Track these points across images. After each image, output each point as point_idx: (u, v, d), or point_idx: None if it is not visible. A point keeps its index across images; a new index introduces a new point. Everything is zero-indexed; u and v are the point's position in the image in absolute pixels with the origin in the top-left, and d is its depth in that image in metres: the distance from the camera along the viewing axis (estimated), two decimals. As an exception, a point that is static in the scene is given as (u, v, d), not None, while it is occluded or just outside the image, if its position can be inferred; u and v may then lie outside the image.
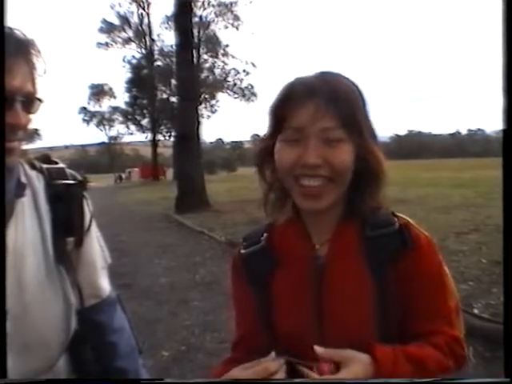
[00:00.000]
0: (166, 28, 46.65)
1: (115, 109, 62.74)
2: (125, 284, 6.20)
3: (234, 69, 47.19)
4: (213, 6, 42.99)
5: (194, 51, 26.40)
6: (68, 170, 1.22)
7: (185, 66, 16.58)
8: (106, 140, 74.10)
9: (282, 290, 1.16)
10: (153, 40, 49.55)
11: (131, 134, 57.48)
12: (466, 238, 7.62)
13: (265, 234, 1.22)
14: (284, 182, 1.12)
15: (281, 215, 1.21)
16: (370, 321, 1.08)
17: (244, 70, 46.87)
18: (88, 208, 1.22)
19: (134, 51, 51.34)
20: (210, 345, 4.31)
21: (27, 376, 1.08)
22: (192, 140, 16.27)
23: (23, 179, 1.12)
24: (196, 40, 38.28)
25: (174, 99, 41.11)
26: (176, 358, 4.11)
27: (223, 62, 47.13)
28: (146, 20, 49.16)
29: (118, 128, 64.62)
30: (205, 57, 46.07)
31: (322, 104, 1.03)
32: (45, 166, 1.19)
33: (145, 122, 54.06)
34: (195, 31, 35.95)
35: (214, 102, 49.06)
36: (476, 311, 4.33)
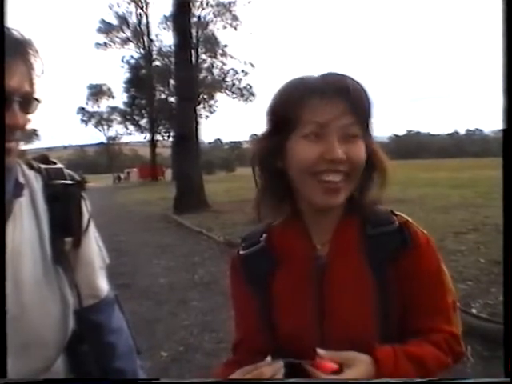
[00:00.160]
0: (165, 28, 46.76)
1: (114, 109, 62.73)
2: (124, 284, 6.20)
3: (232, 69, 47.29)
4: (211, 6, 43.08)
5: (193, 51, 26.46)
6: (66, 171, 1.21)
7: (183, 66, 16.58)
8: (104, 140, 73.99)
9: (283, 291, 1.16)
10: (151, 40, 49.62)
11: (130, 134, 57.50)
12: (465, 237, 7.62)
13: (264, 235, 1.22)
14: (297, 178, 1.09)
15: (278, 215, 1.20)
16: (371, 320, 1.09)
17: (242, 70, 46.99)
18: (86, 208, 1.22)
19: (132, 51, 51.44)
20: (208, 345, 4.31)
21: (26, 376, 1.08)
22: (190, 140, 16.26)
23: (21, 179, 1.12)
24: (194, 40, 38.27)
25: (172, 99, 41.20)
26: (175, 359, 4.10)
27: (222, 62, 47.24)
28: (144, 20, 49.26)
29: (117, 128, 64.57)
30: (203, 57, 46.14)
31: (346, 101, 1.04)
32: (43, 166, 1.19)
33: (143, 122, 54.07)
34: (194, 31, 35.98)
35: (212, 102, 49.18)
36: (474, 311, 4.33)
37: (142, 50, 50.35)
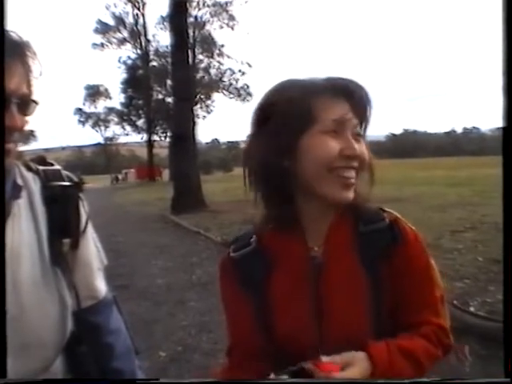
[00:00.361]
0: (162, 28, 46.67)
1: (111, 109, 62.64)
2: (122, 285, 6.19)
3: (229, 69, 47.25)
4: (208, 6, 43.02)
5: (190, 51, 26.45)
6: (64, 172, 1.22)
7: (180, 66, 16.57)
8: (101, 141, 73.85)
9: (279, 292, 1.16)
10: (148, 40, 49.58)
11: (127, 134, 57.59)
12: (462, 236, 7.64)
13: (254, 236, 1.21)
14: (313, 175, 1.08)
15: (278, 216, 1.17)
16: (366, 317, 1.10)
17: (239, 70, 46.91)
18: (84, 209, 1.22)
19: (129, 52, 51.38)
20: (206, 345, 4.31)
21: (24, 377, 1.08)
22: (188, 140, 16.26)
23: (19, 181, 1.12)
24: (191, 40, 38.22)
25: (169, 100, 41.10)
26: (173, 359, 4.11)
27: (219, 62, 47.17)
28: (141, 20, 49.17)
29: (114, 129, 64.44)
30: (200, 57, 46.09)
31: (350, 104, 1.08)
32: (41, 167, 1.19)
33: (140, 122, 54.10)
34: (190, 31, 35.90)
35: (209, 102, 49.14)
36: (472, 309, 4.34)
37: (138, 51, 50.31)
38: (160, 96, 50.17)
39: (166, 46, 41.61)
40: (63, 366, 1.23)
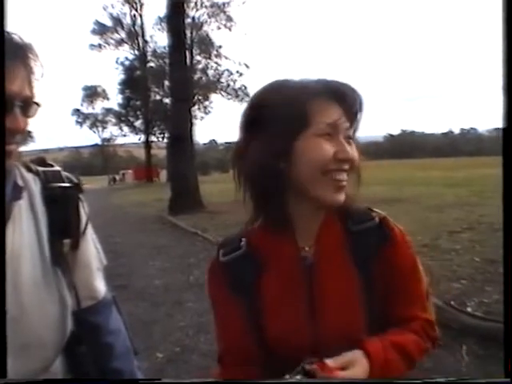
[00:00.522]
0: (159, 29, 46.54)
1: (108, 110, 62.55)
2: (120, 285, 6.18)
3: (227, 70, 47.17)
4: (205, 6, 42.94)
5: (187, 52, 26.43)
6: (64, 173, 1.23)
7: (178, 67, 16.56)
8: (99, 142, 73.86)
9: (272, 294, 1.16)
10: (146, 41, 49.44)
11: (124, 135, 57.31)
12: (459, 236, 7.64)
13: (243, 239, 1.21)
14: (307, 177, 1.08)
15: (268, 218, 1.17)
16: (360, 315, 1.12)
17: (237, 71, 46.85)
18: (84, 210, 1.23)
19: (126, 53, 51.21)
20: (204, 346, 4.31)
21: (24, 377, 1.08)
22: (185, 141, 16.25)
23: (20, 182, 1.13)
24: (189, 41, 38.16)
25: (167, 100, 41.09)
26: (171, 360, 4.11)
27: (216, 63, 47.08)
28: (138, 21, 49.06)
29: (112, 130, 64.32)
30: (198, 58, 46.01)
31: (342, 107, 1.09)
32: (41, 168, 1.20)
33: (138, 123, 53.90)
34: (188, 32, 35.92)
35: (207, 103, 49.02)
36: (469, 309, 4.35)
37: (136, 52, 50.21)
38: (158, 97, 50.11)
39: (164, 47, 41.71)
40: (63, 366, 1.23)
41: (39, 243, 1.13)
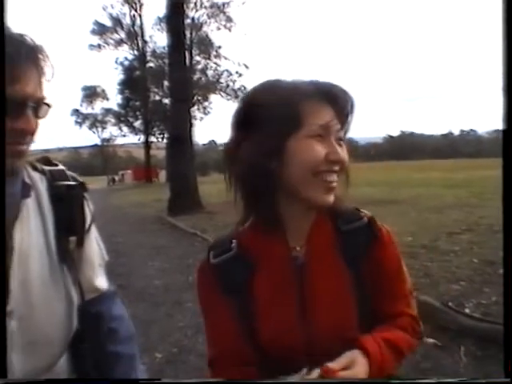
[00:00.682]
0: (159, 29, 46.62)
1: (108, 111, 62.51)
2: (119, 285, 6.17)
3: (226, 70, 47.17)
4: (205, 7, 42.96)
5: (187, 53, 26.44)
6: (68, 172, 1.25)
7: (177, 67, 16.55)
8: (98, 142, 73.72)
9: (263, 294, 1.16)
10: (145, 42, 49.49)
11: (124, 135, 57.36)
12: (458, 237, 7.63)
13: (234, 241, 1.21)
14: (298, 178, 1.09)
15: (258, 218, 1.18)
16: (351, 312, 1.14)
17: (237, 72, 46.84)
18: (88, 208, 1.27)
19: (126, 53, 51.34)
20: (202, 347, 4.30)
21: (32, 374, 1.10)
22: (185, 142, 16.23)
23: (28, 180, 1.15)
24: (188, 41, 38.15)
25: (166, 101, 41.09)
26: (169, 360, 4.10)
27: (216, 63, 47.09)
28: (138, 21, 49.15)
29: (111, 130, 64.31)
30: (197, 58, 46.02)
31: (334, 108, 1.10)
32: (46, 168, 1.22)
33: (137, 123, 53.91)
34: (187, 33, 35.92)
35: (206, 103, 49.04)
36: (468, 311, 4.34)
37: (135, 52, 50.24)
38: (157, 97, 50.10)
39: (163, 47, 41.69)
40: (67, 364, 1.25)
41: (46, 241, 1.15)
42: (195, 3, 41.74)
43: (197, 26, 43.05)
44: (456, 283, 5.20)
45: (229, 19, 43.16)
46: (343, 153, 1.11)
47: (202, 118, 48.97)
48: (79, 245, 1.22)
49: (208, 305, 1.22)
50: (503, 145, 0.94)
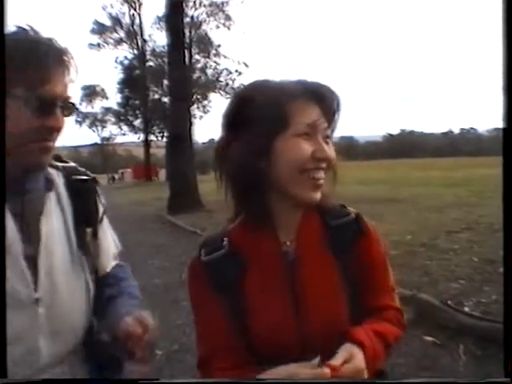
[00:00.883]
0: (158, 28, 46.59)
1: (107, 110, 62.52)
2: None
3: (226, 69, 47.16)
4: (204, 6, 42.96)
5: (186, 51, 26.43)
6: (80, 168, 1.34)
7: (177, 66, 16.55)
8: (98, 141, 73.76)
9: (255, 290, 1.17)
10: (144, 40, 49.46)
11: (124, 134, 57.25)
12: (458, 236, 7.63)
13: (225, 238, 1.22)
14: (285, 176, 1.12)
15: (249, 215, 1.20)
16: (343, 306, 1.16)
17: (236, 70, 46.85)
18: (101, 201, 1.35)
19: (125, 52, 51.26)
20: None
21: (58, 359, 1.17)
22: (184, 140, 16.23)
23: (49, 176, 1.23)
24: (188, 40, 38.15)
25: (166, 100, 41.06)
26: (168, 358, 4.11)
27: (215, 62, 47.10)
28: (137, 21, 49.11)
29: (111, 129, 64.34)
30: (197, 57, 46.01)
31: (320, 107, 1.13)
32: (60, 164, 1.29)
33: (137, 122, 53.88)
34: (187, 31, 35.90)
35: (206, 102, 49.04)
36: (467, 309, 4.34)
37: (135, 51, 50.21)
38: (157, 96, 50.07)
39: (163, 46, 41.62)
40: (81, 353, 1.28)
41: (66, 232, 1.23)
42: (194, 2, 41.75)
43: (196, 24, 43.02)
44: (455, 282, 5.21)
45: (228, 18, 43.19)
46: (330, 150, 1.14)
47: (201, 117, 49.08)
48: (94, 235, 1.30)
49: (199, 303, 1.23)
50: (503, 143, 0.94)
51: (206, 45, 45.50)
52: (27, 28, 1.12)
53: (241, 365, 1.14)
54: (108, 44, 50.03)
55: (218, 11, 43.13)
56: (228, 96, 47.17)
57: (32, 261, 1.13)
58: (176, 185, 15.95)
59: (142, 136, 53.93)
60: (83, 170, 1.34)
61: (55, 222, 1.21)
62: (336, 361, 1.02)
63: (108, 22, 48.97)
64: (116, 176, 59.35)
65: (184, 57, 18.16)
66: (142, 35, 49.39)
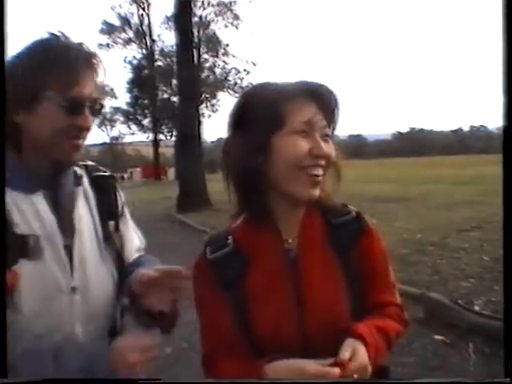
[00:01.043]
0: (167, 28, 46.58)
1: (117, 109, 62.52)
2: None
3: (234, 68, 47.07)
4: (212, 5, 42.91)
5: (195, 51, 26.46)
6: (99, 166, 1.43)
7: (185, 65, 16.58)
8: (107, 140, 74.17)
9: (258, 288, 1.18)
10: (153, 40, 49.53)
11: (133, 134, 57.33)
12: (468, 235, 7.60)
13: (230, 237, 1.24)
14: (283, 172, 1.14)
15: (250, 212, 1.23)
16: (345, 303, 1.18)
17: (244, 69, 46.70)
18: (120, 196, 1.44)
19: (134, 52, 51.31)
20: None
21: (94, 341, 1.23)
22: (193, 139, 16.26)
23: (77, 172, 1.32)
24: (196, 40, 38.19)
25: (175, 99, 41.05)
26: (178, 355, 4.13)
27: (224, 61, 47.00)
28: (146, 21, 49.18)
29: (120, 128, 64.74)
30: (205, 56, 45.99)
31: (319, 106, 1.15)
32: (81, 162, 1.36)
33: (146, 121, 53.98)
34: (195, 31, 35.91)
35: (214, 101, 48.94)
36: (477, 308, 4.33)
37: (144, 51, 50.31)
38: (165, 95, 50.14)
39: (171, 46, 41.67)
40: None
41: (94, 225, 1.32)
42: (202, 1, 41.71)
43: (204, 24, 43.01)
44: (465, 280, 5.19)
45: (236, 17, 43.12)
46: (328, 148, 1.15)
47: (210, 116, 48.92)
48: (117, 228, 1.39)
49: (204, 301, 1.26)
50: (504, 142, 0.95)
51: (214, 44, 45.49)
52: (59, 34, 1.20)
53: (245, 359, 1.15)
54: (117, 44, 50.14)
55: (226, 11, 43.11)
56: (236, 95, 47.16)
57: (68, 251, 1.22)
58: (185, 184, 15.99)
59: (150, 135, 54.09)
60: (102, 167, 1.43)
61: (85, 215, 1.29)
62: (343, 355, 1.02)
63: (117, 22, 49.13)
64: (125, 175, 59.47)
65: (192, 56, 18.19)
66: (150, 35, 49.49)
